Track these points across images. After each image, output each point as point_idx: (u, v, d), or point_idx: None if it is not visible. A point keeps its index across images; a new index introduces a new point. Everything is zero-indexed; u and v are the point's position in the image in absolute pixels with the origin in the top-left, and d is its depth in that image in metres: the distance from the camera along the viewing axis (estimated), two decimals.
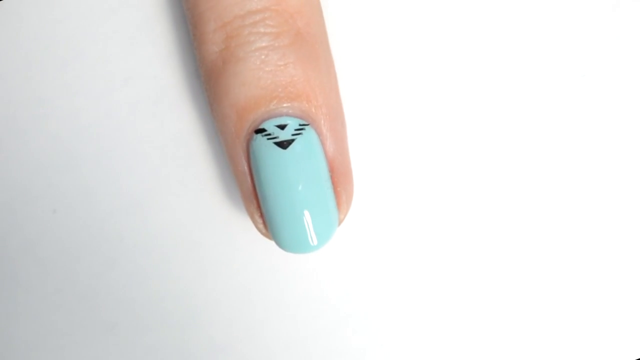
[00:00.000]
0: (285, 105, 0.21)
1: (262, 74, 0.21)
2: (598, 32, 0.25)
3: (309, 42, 0.22)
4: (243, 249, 0.25)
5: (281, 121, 0.21)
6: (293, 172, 0.21)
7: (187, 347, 0.24)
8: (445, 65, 0.25)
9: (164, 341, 0.24)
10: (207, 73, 0.22)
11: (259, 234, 0.24)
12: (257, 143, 0.21)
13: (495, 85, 0.25)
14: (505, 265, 0.25)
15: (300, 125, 0.21)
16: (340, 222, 0.22)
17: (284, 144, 0.21)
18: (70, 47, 0.24)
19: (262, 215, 0.22)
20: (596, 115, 0.25)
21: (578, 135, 0.25)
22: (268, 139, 0.21)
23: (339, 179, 0.22)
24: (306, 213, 0.21)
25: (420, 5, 0.25)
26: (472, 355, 0.25)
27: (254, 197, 0.22)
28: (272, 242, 0.24)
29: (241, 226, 0.24)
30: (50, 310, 0.24)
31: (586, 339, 0.25)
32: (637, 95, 0.25)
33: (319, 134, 0.22)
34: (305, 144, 0.21)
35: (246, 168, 0.22)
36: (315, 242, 0.21)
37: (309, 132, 0.21)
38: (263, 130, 0.21)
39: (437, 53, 0.25)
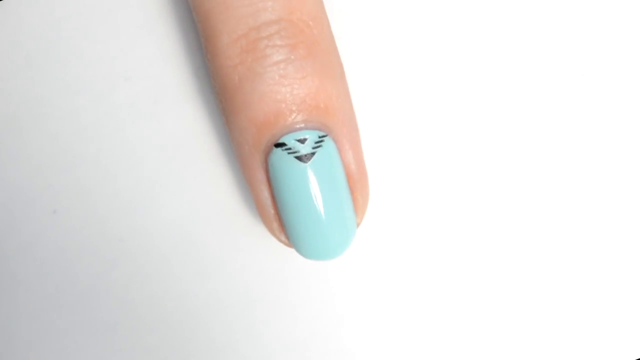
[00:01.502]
0: (304, 118, 0.21)
1: (281, 89, 0.21)
2: (598, 32, 0.25)
3: (324, 50, 0.22)
4: (243, 249, 0.24)
5: (301, 135, 0.21)
6: (314, 184, 0.21)
7: (187, 347, 0.24)
8: (446, 65, 0.25)
9: (164, 341, 0.24)
10: (222, 86, 0.22)
11: (259, 234, 0.24)
12: (277, 157, 0.21)
13: (496, 85, 0.25)
14: (505, 267, 0.25)
15: (319, 137, 0.21)
16: (357, 225, 0.22)
17: (304, 158, 0.21)
18: (70, 47, 0.24)
19: (281, 225, 0.22)
20: (595, 115, 0.25)
21: (578, 134, 0.25)
22: (289, 153, 0.21)
23: (356, 184, 0.22)
24: (327, 222, 0.21)
25: (420, 8, 0.25)
26: (472, 355, 0.25)
27: (273, 207, 0.22)
28: (273, 243, 0.24)
29: (241, 226, 0.24)
30: (50, 310, 0.24)
31: (586, 339, 0.25)
32: (637, 95, 0.25)
33: (337, 142, 0.22)
34: (325, 156, 0.21)
35: (264, 179, 0.22)
36: (337, 249, 0.22)
37: (327, 143, 0.21)
38: (283, 144, 0.21)
39: (438, 54, 0.25)
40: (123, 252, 0.24)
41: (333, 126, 0.21)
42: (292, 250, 0.24)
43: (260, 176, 0.22)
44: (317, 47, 0.21)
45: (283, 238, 0.22)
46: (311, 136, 0.21)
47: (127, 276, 0.24)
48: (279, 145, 0.21)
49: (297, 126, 0.21)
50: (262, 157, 0.22)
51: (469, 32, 0.25)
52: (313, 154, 0.21)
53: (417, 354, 0.25)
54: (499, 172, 0.25)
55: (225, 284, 0.24)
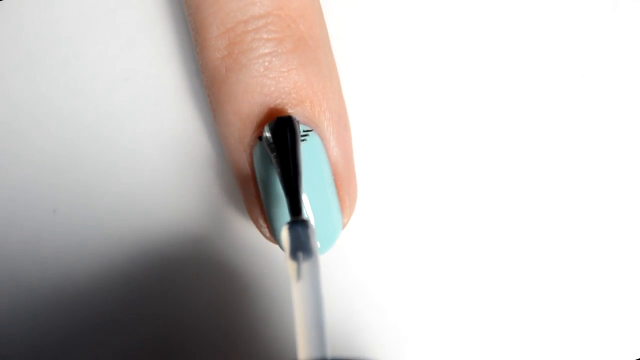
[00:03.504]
0: (289, 111, 0.21)
1: (266, 81, 0.21)
2: (597, 32, 0.25)
3: (312, 46, 0.22)
4: (244, 248, 0.24)
5: None
6: None
7: (187, 347, 0.24)
8: (446, 65, 0.25)
9: (164, 341, 0.24)
10: (210, 79, 0.22)
11: (260, 234, 0.24)
12: (261, 150, 0.21)
13: (495, 85, 0.25)
14: (505, 267, 0.25)
15: (304, 131, 0.21)
16: (343, 226, 0.22)
17: None
18: (70, 46, 0.24)
19: (266, 220, 0.22)
20: (595, 115, 0.25)
21: (577, 134, 0.25)
22: None
23: (342, 183, 0.22)
24: (310, 218, 0.21)
25: (420, 7, 0.25)
26: (473, 355, 0.25)
27: (258, 202, 0.22)
28: (274, 244, 0.24)
29: (242, 226, 0.24)
30: (50, 310, 0.24)
31: (586, 339, 0.25)
32: (636, 95, 0.25)
33: (323, 138, 0.22)
34: (309, 150, 0.21)
35: (250, 174, 0.22)
36: (320, 247, 0.22)
37: (312, 137, 0.21)
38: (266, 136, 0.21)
39: (438, 53, 0.25)
40: (123, 252, 0.24)
41: (319, 122, 0.21)
42: None
43: (245, 171, 0.22)
44: (303, 43, 0.21)
45: (268, 234, 0.22)
46: None
47: (127, 276, 0.24)
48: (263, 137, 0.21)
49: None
50: (247, 152, 0.22)
51: (467, 31, 0.25)
52: None
53: (417, 353, 0.25)
54: (499, 174, 0.25)
55: (225, 284, 0.24)
